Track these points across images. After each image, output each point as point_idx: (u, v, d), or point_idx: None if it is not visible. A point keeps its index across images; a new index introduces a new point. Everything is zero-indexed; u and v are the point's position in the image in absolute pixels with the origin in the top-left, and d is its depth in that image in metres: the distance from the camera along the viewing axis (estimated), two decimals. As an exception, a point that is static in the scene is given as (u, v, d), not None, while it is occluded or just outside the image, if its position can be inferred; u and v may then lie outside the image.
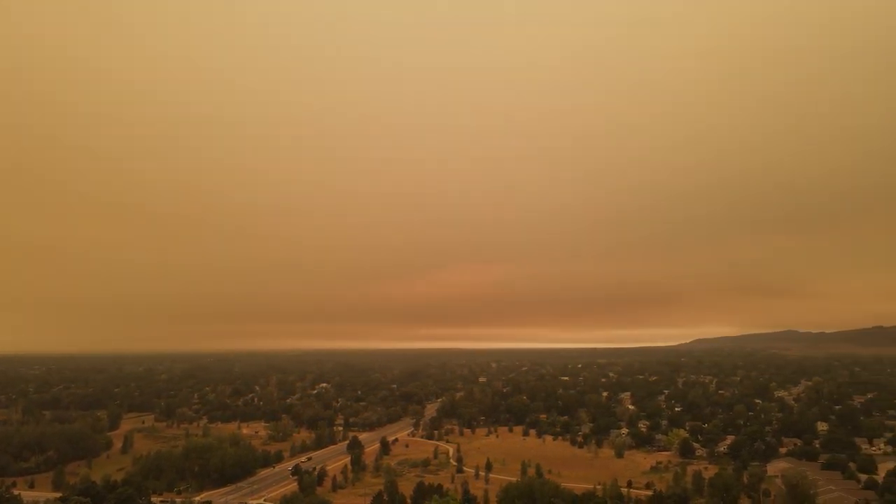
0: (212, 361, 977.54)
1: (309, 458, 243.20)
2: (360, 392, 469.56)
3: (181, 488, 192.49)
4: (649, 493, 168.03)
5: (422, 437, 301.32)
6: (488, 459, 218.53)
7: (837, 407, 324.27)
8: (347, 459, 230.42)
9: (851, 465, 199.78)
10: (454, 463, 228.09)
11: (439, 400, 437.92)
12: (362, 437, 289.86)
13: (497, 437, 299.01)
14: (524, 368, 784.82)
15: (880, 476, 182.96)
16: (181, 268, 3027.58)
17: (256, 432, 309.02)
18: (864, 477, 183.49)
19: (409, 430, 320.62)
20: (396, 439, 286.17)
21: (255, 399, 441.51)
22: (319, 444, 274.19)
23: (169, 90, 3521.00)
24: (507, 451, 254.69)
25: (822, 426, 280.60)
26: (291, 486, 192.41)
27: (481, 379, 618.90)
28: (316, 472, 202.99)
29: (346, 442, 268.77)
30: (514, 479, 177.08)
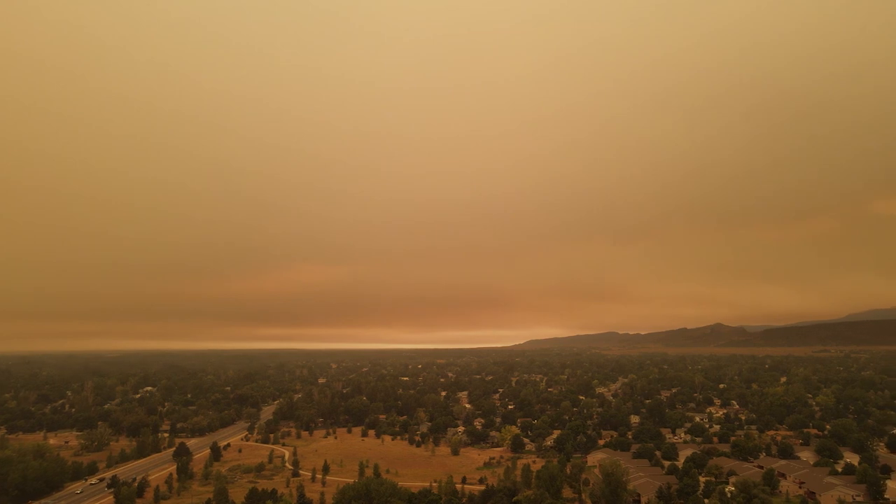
0: (14, 364, 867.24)
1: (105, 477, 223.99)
2: (189, 395, 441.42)
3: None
4: (482, 487, 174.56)
5: (257, 441, 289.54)
6: (326, 461, 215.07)
7: (648, 401, 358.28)
8: (173, 468, 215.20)
9: (657, 453, 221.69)
10: (290, 466, 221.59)
11: (276, 402, 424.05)
12: (191, 443, 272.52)
13: (336, 438, 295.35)
14: (365, 369, 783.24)
15: (680, 462, 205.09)
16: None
17: (67, 442, 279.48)
18: (667, 463, 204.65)
19: (244, 435, 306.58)
20: (229, 444, 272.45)
21: (67, 406, 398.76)
22: (142, 452, 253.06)
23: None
24: (345, 452, 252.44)
25: (635, 419, 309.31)
26: (107, 500, 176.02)
27: (321, 380, 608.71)
28: (136, 483, 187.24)
29: (173, 449, 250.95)
30: (351, 481, 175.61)
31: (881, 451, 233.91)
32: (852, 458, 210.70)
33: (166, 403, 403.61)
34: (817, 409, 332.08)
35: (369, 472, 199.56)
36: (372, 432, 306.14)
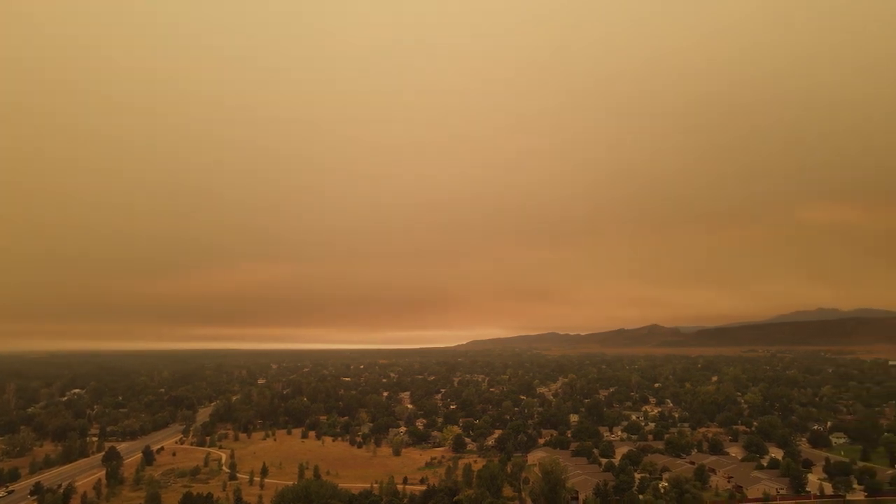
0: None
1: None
2: (121, 398, 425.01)
3: None
4: (423, 487, 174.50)
5: (192, 444, 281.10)
6: (264, 464, 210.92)
7: (587, 400, 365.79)
8: (102, 473, 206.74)
9: (595, 451, 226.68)
10: (227, 470, 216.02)
11: (213, 404, 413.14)
12: (122, 447, 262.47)
13: (275, 440, 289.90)
14: (306, 369, 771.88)
15: (617, 459, 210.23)
16: None
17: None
18: (604, 461, 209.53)
19: (178, 438, 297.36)
20: (162, 448, 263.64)
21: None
22: (68, 457, 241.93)
23: None
24: (284, 454, 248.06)
25: (574, 418, 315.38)
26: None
27: (260, 381, 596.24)
28: (62, 490, 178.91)
29: (102, 454, 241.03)
30: (290, 483, 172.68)
31: (803, 446, 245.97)
32: (777, 453, 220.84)
33: (95, 406, 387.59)
34: (745, 406, 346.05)
35: (309, 473, 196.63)
36: (312, 433, 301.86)
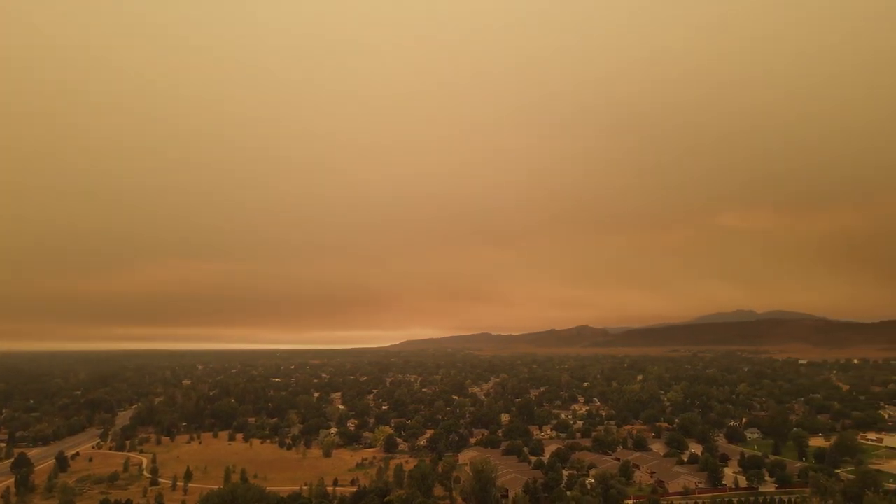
0: None
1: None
2: (32, 401, 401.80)
3: None
4: (354, 489, 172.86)
5: (111, 449, 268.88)
6: (188, 468, 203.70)
7: (518, 400, 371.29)
8: (11, 481, 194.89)
9: (525, 449, 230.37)
10: (148, 475, 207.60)
11: (135, 407, 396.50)
12: (33, 453, 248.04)
13: (200, 443, 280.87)
14: (234, 370, 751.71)
15: (546, 457, 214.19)
16: None
17: None
18: (534, 459, 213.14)
19: (96, 443, 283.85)
20: (78, 453, 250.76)
21: None
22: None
23: None
24: (210, 457, 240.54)
25: (505, 417, 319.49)
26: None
27: (185, 382, 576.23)
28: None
29: (11, 460, 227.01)
30: (216, 487, 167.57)
31: (721, 441, 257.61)
32: (697, 449, 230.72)
33: (4, 410, 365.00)
34: (668, 404, 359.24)
35: (236, 477, 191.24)
36: (240, 436, 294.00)
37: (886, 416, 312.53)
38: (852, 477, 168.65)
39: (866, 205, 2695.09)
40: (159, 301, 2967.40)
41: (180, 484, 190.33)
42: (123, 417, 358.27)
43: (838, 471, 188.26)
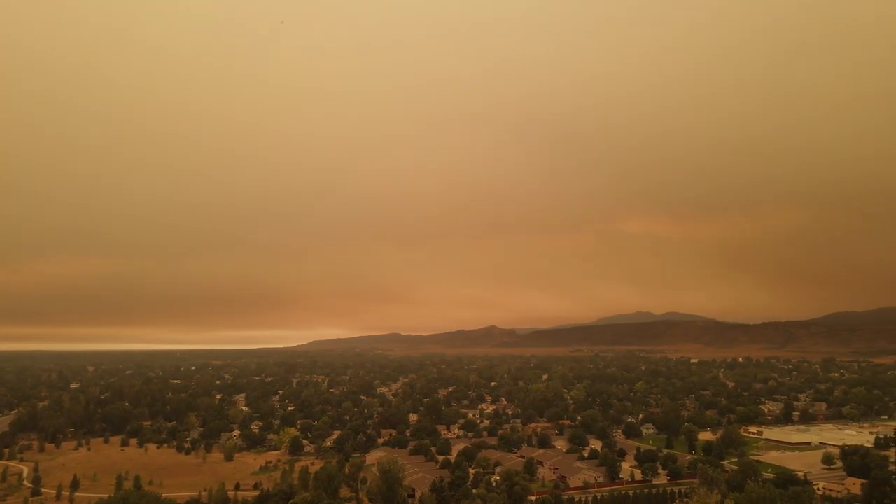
0: None
1: None
2: None
3: None
4: (257, 493, 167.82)
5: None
6: (75, 476, 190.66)
7: (426, 399, 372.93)
8: None
9: (433, 448, 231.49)
10: (29, 484, 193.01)
11: (14, 412, 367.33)
12: None
13: (90, 450, 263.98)
14: (129, 372, 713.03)
15: (453, 456, 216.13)
16: None
17: None
18: (441, 458, 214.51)
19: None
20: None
21: None
22: None
23: None
24: (100, 465, 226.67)
25: (413, 417, 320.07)
26: None
27: (74, 385, 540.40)
28: None
29: None
30: (107, 496, 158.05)
31: (619, 437, 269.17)
32: (597, 445, 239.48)
33: None
34: (571, 402, 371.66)
35: (129, 484, 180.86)
36: (134, 441, 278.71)
37: (766, 411, 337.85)
38: (735, 468, 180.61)
39: (753, 214, 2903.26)
40: (45, 299, 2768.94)
41: (66, 493, 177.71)
42: (2, 423, 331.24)
43: (724, 462, 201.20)
